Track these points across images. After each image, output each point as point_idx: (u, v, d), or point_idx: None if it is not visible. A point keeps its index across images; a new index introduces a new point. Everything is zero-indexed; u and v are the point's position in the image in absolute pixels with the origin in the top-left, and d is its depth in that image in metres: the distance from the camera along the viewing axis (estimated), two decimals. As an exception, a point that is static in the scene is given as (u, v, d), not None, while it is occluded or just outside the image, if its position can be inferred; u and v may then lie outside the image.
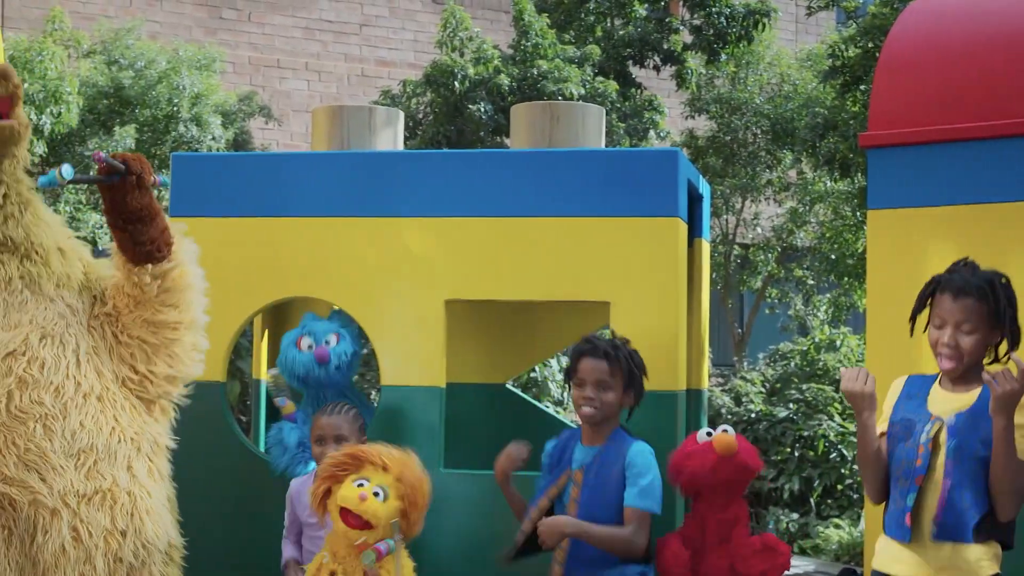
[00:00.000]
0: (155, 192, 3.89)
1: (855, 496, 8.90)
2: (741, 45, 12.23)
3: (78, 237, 3.98)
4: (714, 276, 13.57)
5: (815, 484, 8.95)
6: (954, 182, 4.51)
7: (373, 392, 9.51)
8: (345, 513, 3.84)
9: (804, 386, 9.72)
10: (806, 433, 9.09)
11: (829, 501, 9.01)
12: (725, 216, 14.14)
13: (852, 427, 8.87)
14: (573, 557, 4.16)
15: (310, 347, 4.94)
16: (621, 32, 12.04)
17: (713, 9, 11.94)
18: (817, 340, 10.84)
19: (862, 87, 9.74)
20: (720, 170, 13.42)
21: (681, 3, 12.24)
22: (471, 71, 10.78)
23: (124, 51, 11.48)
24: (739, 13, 11.93)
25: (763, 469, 4.57)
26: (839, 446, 8.98)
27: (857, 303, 13.88)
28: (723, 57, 12.36)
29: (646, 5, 12.09)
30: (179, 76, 11.20)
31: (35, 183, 3.76)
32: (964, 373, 3.56)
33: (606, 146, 6.06)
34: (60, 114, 9.85)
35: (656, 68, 12.22)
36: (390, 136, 5.46)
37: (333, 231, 4.98)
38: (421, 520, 3.97)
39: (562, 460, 4.29)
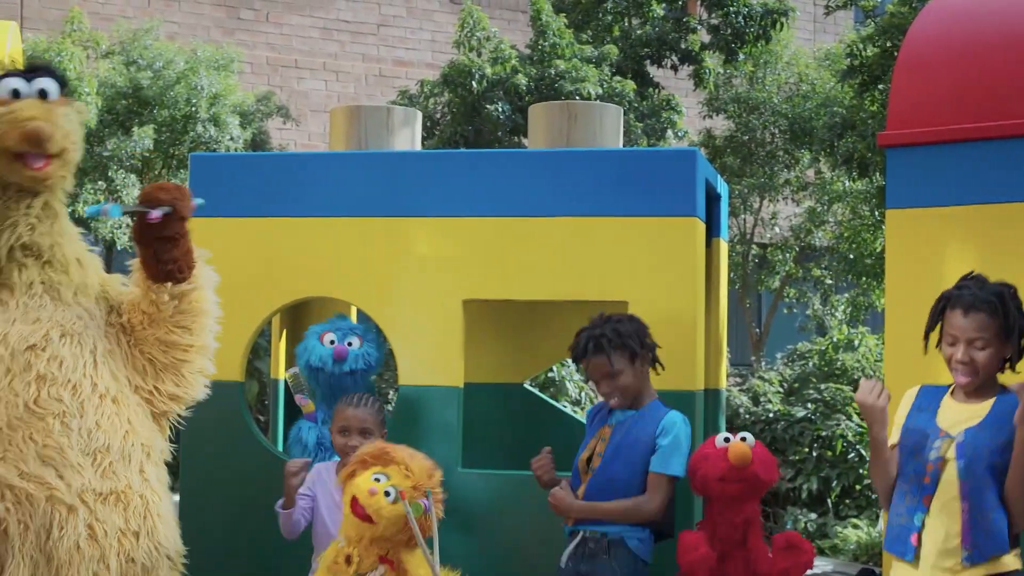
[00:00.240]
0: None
1: (873, 496, 8.86)
2: (759, 44, 12.22)
3: (97, 236, 4.00)
4: (732, 276, 13.55)
5: (833, 484, 8.93)
6: (973, 181, 4.48)
7: (391, 392, 9.51)
8: (354, 501, 3.91)
9: (822, 386, 9.70)
10: (824, 433, 9.06)
11: (847, 501, 8.98)
12: (743, 216, 14.14)
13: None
14: None
15: (332, 343, 4.97)
16: (639, 32, 12.03)
17: (731, 8, 11.92)
18: (835, 340, 10.81)
19: (880, 86, 9.71)
20: (738, 169, 13.41)
21: (699, 2, 12.24)
22: (489, 71, 10.78)
23: (142, 51, 11.53)
24: (757, 12, 11.92)
25: (778, 480, 4.51)
26: (857, 446, 8.95)
27: (875, 303, 13.85)
28: (741, 56, 12.36)
29: (664, 5, 12.07)
30: (197, 76, 11.24)
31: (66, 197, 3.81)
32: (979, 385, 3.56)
33: (624, 146, 6.05)
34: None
35: (674, 68, 12.21)
36: (408, 136, 5.46)
37: (351, 231, 4.99)
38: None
39: (599, 416, 4.38)
